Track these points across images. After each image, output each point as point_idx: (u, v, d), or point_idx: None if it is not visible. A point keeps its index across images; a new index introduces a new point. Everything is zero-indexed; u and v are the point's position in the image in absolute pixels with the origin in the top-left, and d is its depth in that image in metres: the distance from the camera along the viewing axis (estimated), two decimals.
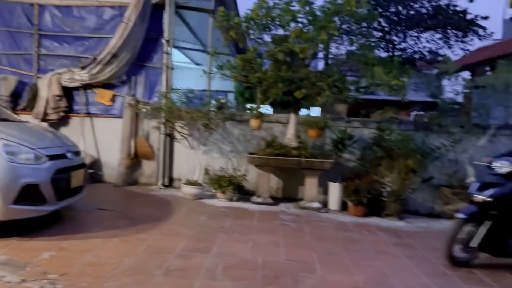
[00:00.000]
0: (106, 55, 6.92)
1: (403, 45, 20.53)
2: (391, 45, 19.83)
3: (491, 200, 4.00)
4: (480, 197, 4.07)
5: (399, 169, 6.37)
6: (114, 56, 6.92)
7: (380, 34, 19.65)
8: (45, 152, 4.21)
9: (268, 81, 6.13)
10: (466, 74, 11.94)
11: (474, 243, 4.08)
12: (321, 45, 6.08)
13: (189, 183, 6.58)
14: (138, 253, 3.80)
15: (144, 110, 6.85)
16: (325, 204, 6.59)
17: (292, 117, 6.63)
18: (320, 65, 10.06)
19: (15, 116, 5.33)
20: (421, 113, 8.11)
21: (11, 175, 3.87)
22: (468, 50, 18.93)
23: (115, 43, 6.86)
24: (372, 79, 5.82)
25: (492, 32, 17.25)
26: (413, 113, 8.32)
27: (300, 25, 5.86)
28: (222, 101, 6.95)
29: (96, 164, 7.35)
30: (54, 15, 7.42)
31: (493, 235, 4.06)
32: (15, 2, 7.45)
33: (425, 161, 6.38)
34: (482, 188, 4.12)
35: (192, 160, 6.95)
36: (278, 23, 5.99)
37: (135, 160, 7.26)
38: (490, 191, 4.03)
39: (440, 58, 18.88)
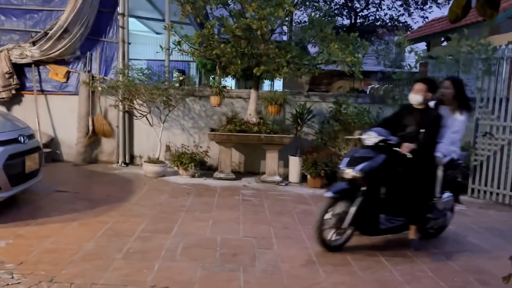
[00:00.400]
0: (57, 30, 6.62)
1: (365, 12, 20.65)
2: (353, 13, 19.90)
3: (361, 175, 3.74)
4: (349, 173, 3.80)
5: (355, 141, 6.62)
6: (66, 31, 6.64)
7: (342, 1, 19.63)
8: None
9: (227, 57, 6.11)
10: (422, 45, 12.29)
11: (346, 223, 3.83)
12: (279, 21, 6.08)
13: (150, 160, 6.59)
14: (97, 237, 3.85)
15: (100, 88, 6.67)
16: (286, 177, 6.80)
17: (253, 93, 6.68)
18: (283, 38, 10.05)
19: None
20: (377, 86, 8.34)
21: None
22: (427, 17, 19.29)
23: (67, 17, 6.57)
24: (329, 56, 5.91)
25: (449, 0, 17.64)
26: (370, 86, 8.55)
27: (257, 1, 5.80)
28: (181, 78, 6.87)
29: (53, 143, 7.18)
30: None
31: (364, 213, 3.84)
32: None
33: None
34: (352, 163, 3.82)
35: (152, 137, 6.91)
36: None
37: (93, 138, 7.14)
38: (359, 166, 3.74)
39: (400, 25, 19.22)
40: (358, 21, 19.95)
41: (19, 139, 4.44)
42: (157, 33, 13.28)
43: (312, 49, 7.89)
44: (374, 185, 3.84)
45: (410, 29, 18.96)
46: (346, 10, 19.79)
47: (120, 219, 4.40)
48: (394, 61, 8.03)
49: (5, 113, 5.34)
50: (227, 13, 6.36)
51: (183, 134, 7.25)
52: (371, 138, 3.84)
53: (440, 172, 4.08)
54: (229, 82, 16.56)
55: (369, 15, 20.55)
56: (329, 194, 3.79)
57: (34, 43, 6.84)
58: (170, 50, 6.76)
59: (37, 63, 7.00)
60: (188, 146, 6.83)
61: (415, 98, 3.94)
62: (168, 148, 7.08)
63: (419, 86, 3.95)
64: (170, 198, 5.42)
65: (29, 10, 7.04)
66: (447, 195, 4.26)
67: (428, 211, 4.10)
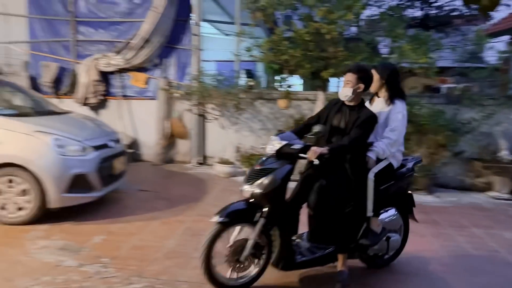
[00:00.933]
0: (139, 41, 7.18)
1: (439, 2, 19.51)
2: (426, 4, 18.90)
3: (260, 191, 2.97)
4: (246, 190, 3.04)
5: (429, 144, 6.40)
6: (147, 41, 7.18)
7: None
8: (90, 143, 4.60)
9: (295, 62, 6.22)
10: (506, 38, 11.35)
11: (244, 255, 3.01)
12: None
13: (222, 161, 6.91)
14: (177, 236, 4.18)
15: (176, 95, 7.14)
16: None
17: (320, 95, 6.72)
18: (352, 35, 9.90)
19: (60, 107, 5.73)
20: (454, 85, 7.94)
21: (63, 167, 4.30)
22: (509, 5, 17.76)
23: (148, 28, 7.09)
24: (401, 57, 5.78)
25: None
26: (445, 85, 8.14)
27: (326, 4, 5.84)
28: (251, 83, 7.11)
29: (134, 144, 7.80)
30: (88, 1, 7.69)
31: (274, 241, 3.10)
32: None
33: (455, 136, 6.36)
34: (251, 177, 3.05)
35: (223, 138, 7.25)
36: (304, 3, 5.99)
37: (170, 139, 7.65)
38: (259, 180, 2.98)
39: (480, 15, 17.88)
40: (431, 12, 18.92)
41: (109, 144, 4.93)
42: (226, 35, 13.71)
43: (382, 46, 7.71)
44: (281, 204, 3.06)
45: (491, 19, 17.57)
46: (419, 1, 18.84)
47: (196, 219, 4.72)
48: (472, 56, 7.59)
49: (96, 120, 5.92)
50: (296, 16, 6.47)
51: (252, 136, 7.49)
52: (274, 144, 3.07)
53: (371, 183, 3.15)
54: (297, 81, 16.58)
55: (443, 5, 19.38)
56: (216, 218, 2.95)
57: (118, 53, 7.46)
58: (241, 56, 7.01)
59: (120, 71, 7.64)
60: (257, 148, 7.06)
61: (343, 92, 3.15)
62: (238, 149, 7.37)
63: (347, 77, 3.15)
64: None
65: (113, 22, 7.70)
66: (390, 213, 3.49)
67: (360, 235, 3.26)
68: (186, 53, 7.64)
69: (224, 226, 2.98)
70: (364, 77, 3.13)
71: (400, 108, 3.29)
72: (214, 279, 3.00)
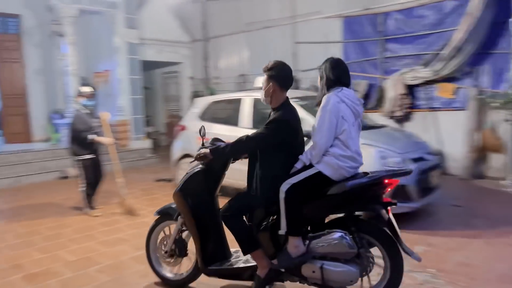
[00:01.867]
0: (451, 51, 6.98)
1: None
2: None
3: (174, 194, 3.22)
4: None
5: None
6: (459, 50, 6.91)
7: None
8: (409, 156, 4.85)
9: None
10: None
11: (165, 250, 3.31)
12: None
13: None
14: (507, 259, 3.84)
15: (493, 104, 6.54)
16: None
17: None
18: None
19: (375, 121, 6.27)
20: None
21: None
22: None
23: (460, 37, 6.81)
24: None
25: None
26: None
27: None
28: None
29: (440, 156, 7.61)
30: (396, 19, 8.11)
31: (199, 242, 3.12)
32: (361, 15, 8.61)
33: None
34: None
35: None
36: None
37: (481, 153, 7.07)
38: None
39: None
40: None
41: (424, 156, 5.06)
42: None
43: None
44: (190, 207, 3.09)
45: None
46: None
47: None
48: None
49: (409, 133, 6.15)
50: None
51: None
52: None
53: (282, 195, 2.75)
54: None
55: None
56: (155, 213, 3.43)
57: (425, 65, 7.51)
58: None
59: (426, 83, 7.65)
60: None
61: (260, 96, 2.96)
62: None
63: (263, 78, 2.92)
64: None
65: (420, 35, 7.80)
66: (330, 236, 2.73)
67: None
68: (501, 58, 6.89)
69: (158, 222, 3.42)
70: (274, 76, 2.85)
71: (322, 103, 2.85)
72: (155, 270, 3.47)
